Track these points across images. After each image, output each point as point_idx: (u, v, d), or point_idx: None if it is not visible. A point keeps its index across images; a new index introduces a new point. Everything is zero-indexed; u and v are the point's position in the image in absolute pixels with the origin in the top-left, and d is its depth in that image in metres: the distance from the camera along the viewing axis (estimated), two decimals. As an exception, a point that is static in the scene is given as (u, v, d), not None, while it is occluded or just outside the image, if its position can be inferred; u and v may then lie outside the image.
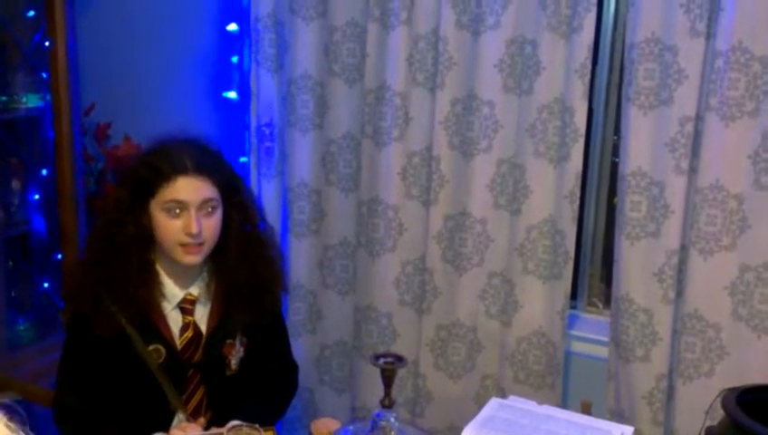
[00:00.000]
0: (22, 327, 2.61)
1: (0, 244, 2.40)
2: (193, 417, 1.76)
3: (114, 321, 1.67)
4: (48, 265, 2.71)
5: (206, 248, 1.70)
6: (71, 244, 2.46)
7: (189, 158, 1.67)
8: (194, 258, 1.68)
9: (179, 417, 1.75)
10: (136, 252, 1.68)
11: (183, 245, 1.66)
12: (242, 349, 1.81)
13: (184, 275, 1.75)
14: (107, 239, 1.68)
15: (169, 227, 1.65)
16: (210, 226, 1.68)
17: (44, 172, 2.68)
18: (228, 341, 1.78)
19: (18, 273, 2.63)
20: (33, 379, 2.41)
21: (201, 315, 1.78)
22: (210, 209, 1.68)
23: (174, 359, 1.74)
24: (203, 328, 1.77)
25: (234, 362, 1.80)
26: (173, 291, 1.74)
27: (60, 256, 2.57)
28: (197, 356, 1.76)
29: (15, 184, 2.58)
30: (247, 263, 1.76)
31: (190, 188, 1.65)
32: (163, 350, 1.72)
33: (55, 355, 2.34)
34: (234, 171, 1.81)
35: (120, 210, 1.68)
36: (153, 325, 1.72)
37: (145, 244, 1.69)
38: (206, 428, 1.71)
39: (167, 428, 1.73)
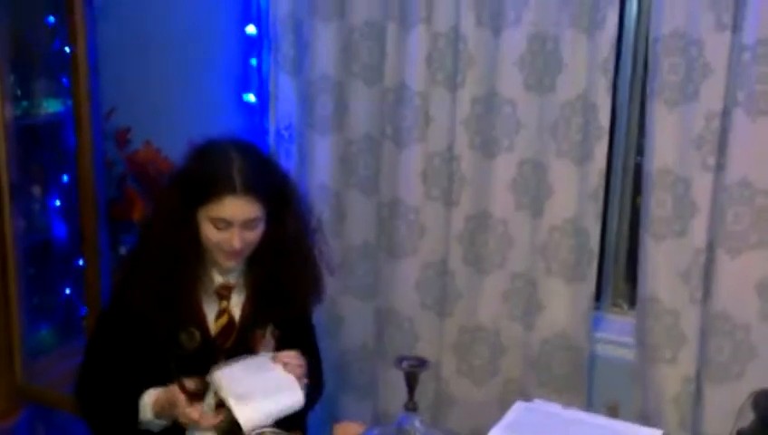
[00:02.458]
0: (43, 333, 2.62)
1: (22, 251, 2.41)
2: (222, 405, 1.74)
3: (171, 316, 1.72)
4: (70, 272, 2.71)
5: (246, 254, 1.77)
6: (92, 249, 2.46)
7: (239, 175, 1.69)
8: (232, 263, 1.76)
9: (209, 404, 1.75)
10: (192, 255, 1.74)
11: (223, 252, 1.73)
12: (273, 341, 1.83)
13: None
14: (166, 242, 1.72)
15: (213, 237, 1.72)
16: (251, 238, 1.74)
17: (65, 178, 2.68)
18: (260, 332, 1.81)
19: (40, 279, 2.63)
20: (54, 385, 2.42)
21: (236, 303, 1.82)
22: (253, 225, 1.73)
23: (207, 344, 1.77)
24: (236, 316, 1.81)
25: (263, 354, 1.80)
26: (213, 277, 1.79)
27: (81, 262, 2.57)
28: (229, 343, 1.79)
29: (36, 190, 2.59)
30: (278, 266, 1.80)
31: (237, 209, 1.69)
32: (198, 334, 1.76)
33: (77, 361, 2.35)
34: (283, 181, 1.83)
35: (175, 215, 1.73)
36: (191, 309, 1.76)
37: (197, 246, 1.74)
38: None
39: None
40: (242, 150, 1.75)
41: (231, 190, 1.67)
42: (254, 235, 1.73)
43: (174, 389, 1.65)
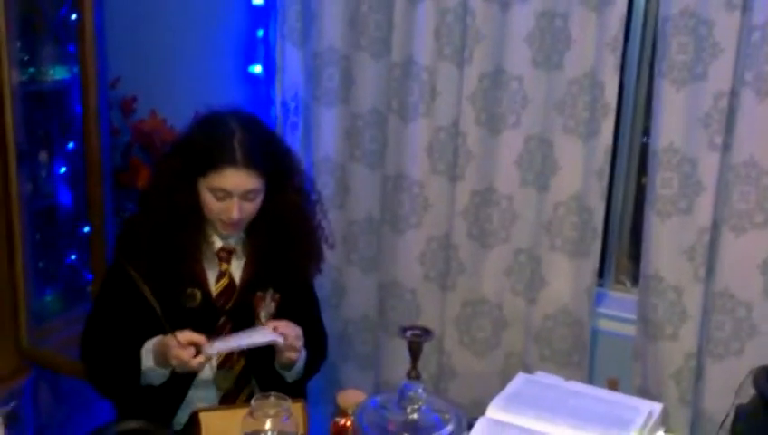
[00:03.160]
0: (49, 298, 2.64)
1: (28, 215, 2.42)
2: (224, 364, 1.81)
3: (171, 276, 1.76)
4: (74, 239, 2.73)
5: (244, 224, 1.80)
6: (98, 217, 2.47)
7: (240, 147, 1.72)
8: (231, 231, 1.80)
9: (210, 363, 1.78)
10: (191, 220, 1.77)
11: (222, 222, 1.77)
12: (273, 304, 1.85)
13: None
14: (165, 206, 1.76)
15: (212, 207, 1.76)
16: (250, 209, 1.77)
17: (71, 145, 2.69)
18: (258, 293, 1.84)
19: (45, 245, 2.65)
20: (59, 349, 2.44)
21: (236, 267, 1.85)
22: (252, 196, 1.76)
23: (208, 305, 1.80)
24: (237, 279, 1.84)
25: (263, 315, 1.83)
26: (213, 240, 1.83)
27: (86, 229, 2.58)
28: (230, 305, 1.82)
29: (43, 156, 2.59)
30: (277, 236, 1.83)
31: (236, 180, 1.72)
32: (199, 294, 1.79)
33: (82, 325, 2.37)
34: (284, 154, 1.85)
35: (175, 181, 1.76)
36: (192, 270, 1.80)
37: (198, 212, 1.78)
38: (241, 377, 1.79)
39: (193, 375, 1.77)
40: (244, 123, 1.78)
41: (231, 162, 1.70)
42: (252, 206, 1.76)
43: (168, 336, 1.68)
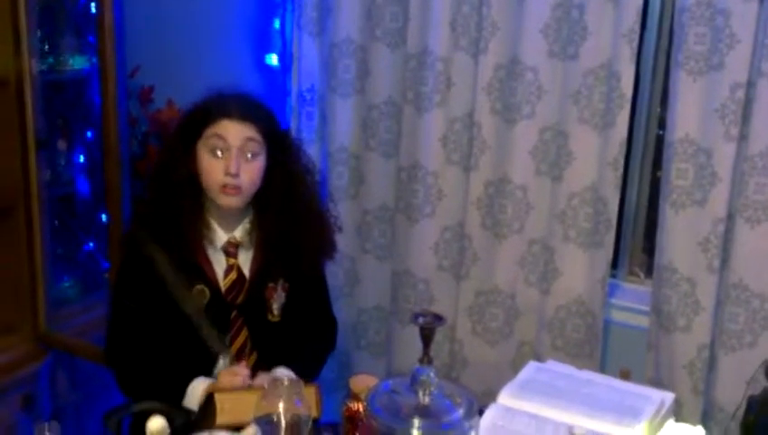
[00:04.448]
0: (67, 284, 2.67)
1: (46, 202, 2.45)
2: (237, 359, 1.79)
3: (170, 256, 1.74)
4: (92, 227, 2.76)
5: (245, 193, 1.75)
6: (115, 205, 2.49)
7: (237, 104, 1.74)
8: (231, 200, 1.74)
9: (223, 360, 1.78)
10: (188, 193, 1.75)
11: (222, 186, 1.72)
12: (283, 294, 1.84)
13: (229, 219, 1.81)
14: (161, 180, 1.77)
15: (211, 168, 1.73)
16: (249, 170, 1.73)
17: (89, 135, 2.71)
18: (270, 284, 1.83)
19: (64, 231, 2.68)
20: (77, 334, 2.47)
21: (244, 260, 1.83)
22: (251, 155, 1.74)
23: (218, 300, 1.79)
24: (246, 272, 1.82)
25: (275, 307, 1.83)
26: (218, 234, 1.80)
27: (104, 218, 2.61)
28: (241, 298, 1.81)
29: (61, 144, 2.62)
30: (285, 219, 1.80)
31: (233, 130, 1.72)
32: (207, 291, 1.78)
33: (99, 312, 2.40)
34: (283, 130, 1.86)
35: (172, 153, 1.77)
36: (198, 266, 1.78)
37: (195, 186, 1.76)
38: (253, 370, 1.76)
39: (209, 371, 1.77)
40: (241, 92, 1.80)
41: (227, 114, 1.72)
42: (251, 166, 1.73)
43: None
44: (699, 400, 2.14)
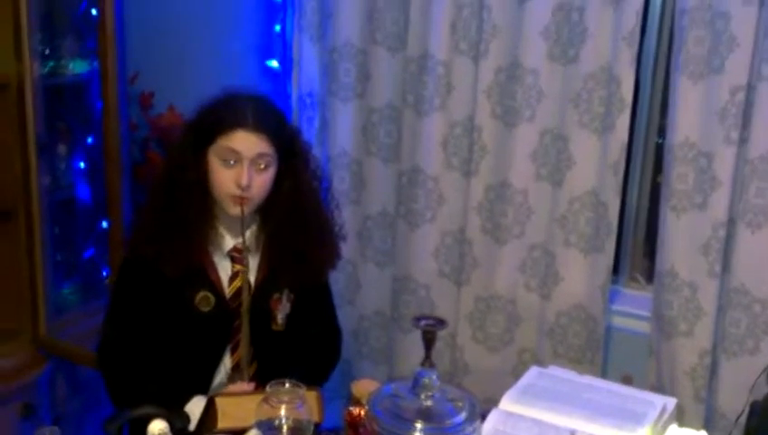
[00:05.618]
0: (67, 291, 2.66)
1: (46, 207, 2.44)
2: (238, 367, 1.78)
3: (176, 260, 1.71)
4: (92, 233, 2.75)
5: (254, 202, 1.72)
6: (116, 211, 2.49)
7: (252, 113, 1.69)
8: (239, 210, 1.71)
9: (225, 366, 1.77)
10: (196, 197, 1.72)
11: (232, 196, 1.69)
12: (288, 305, 1.82)
13: (236, 225, 1.77)
14: (169, 184, 1.73)
15: (222, 177, 1.69)
16: (260, 182, 1.71)
17: (90, 140, 2.71)
18: (276, 295, 1.80)
19: (64, 238, 2.67)
20: (77, 341, 2.46)
21: (250, 267, 1.80)
22: (263, 166, 1.71)
23: (222, 307, 1.76)
24: (251, 279, 1.79)
25: (280, 317, 1.81)
26: (226, 239, 1.78)
27: (105, 224, 2.61)
28: (245, 306, 1.78)
29: (62, 149, 2.61)
30: (292, 224, 1.77)
31: (247, 141, 1.68)
32: (212, 297, 1.75)
33: (99, 319, 2.38)
34: (296, 135, 1.82)
35: (182, 155, 1.73)
36: (203, 272, 1.75)
37: (204, 190, 1.72)
38: (252, 379, 1.74)
39: (209, 379, 1.75)
40: (255, 96, 1.76)
41: (243, 124, 1.67)
42: (262, 179, 1.70)
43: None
44: (702, 406, 2.13)
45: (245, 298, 1.77)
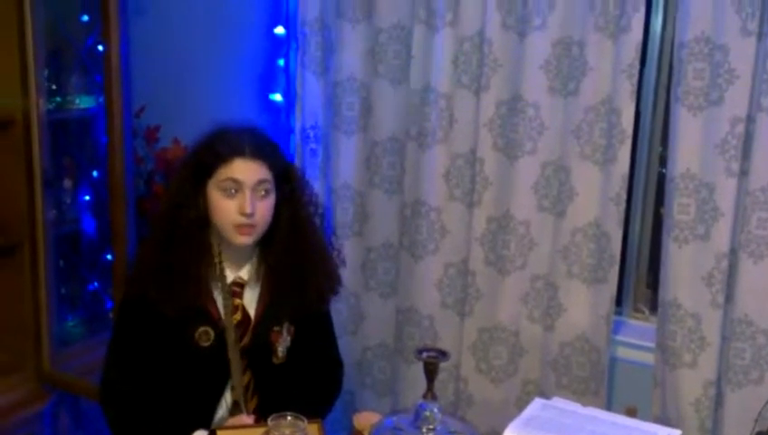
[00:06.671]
0: (71, 324, 2.66)
1: (52, 241, 2.46)
2: (238, 403, 1.77)
3: (176, 301, 1.71)
4: (97, 265, 2.76)
5: (259, 230, 1.74)
6: (121, 243, 2.50)
7: (248, 142, 1.72)
8: (246, 239, 1.72)
9: (226, 400, 1.77)
10: (196, 234, 1.73)
11: (237, 226, 1.71)
12: (288, 338, 1.82)
13: (236, 258, 1.78)
14: (169, 222, 1.74)
15: (225, 208, 1.70)
16: (263, 208, 1.72)
17: (95, 174, 2.73)
18: (276, 328, 1.80)
19: (68, 271, 2.68)
20: (81, 374, 2.46)
21: (249, 300, 1.80)
22: (264, 192, 1.72)
23: (222, 342, 1.76)
24: (251, 312, 1.80)
25: (281, 350, 1.81)
26: (225, 273, 1.78)
27: (109, 257, 2.62)
28: (245, 341, 1.78)
29: (68, 183, 2.64)
30: (293, 252, 1.78)
31: (246, 170, 1.70)
32: (212, 332, 1.75)
33: (103, 352, 2.39)
34: (289, 163, 1.85)
35: (181, 193, 1.74)
36: (203, 307, 1.75)
37: (203, 226, 1.74)
38: (254, 413, 1.74)
39: (211, 414, 1.74)
40: (247, 127, 1.79)
41: (240, 153, 1.69)
42: (264, 204, 1.72)
43: None
44: (707, 437, 2.12)
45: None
